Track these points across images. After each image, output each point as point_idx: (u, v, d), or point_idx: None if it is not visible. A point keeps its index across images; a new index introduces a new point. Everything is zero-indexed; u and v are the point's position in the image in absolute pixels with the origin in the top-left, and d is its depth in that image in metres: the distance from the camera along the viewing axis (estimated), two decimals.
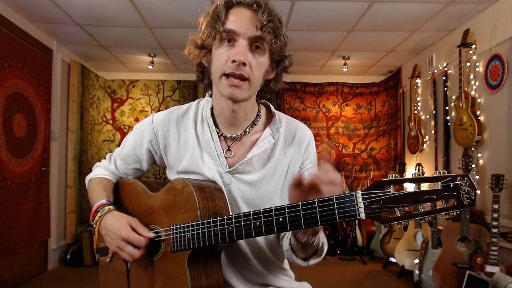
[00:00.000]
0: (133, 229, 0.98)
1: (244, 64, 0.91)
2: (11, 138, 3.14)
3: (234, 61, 0.91)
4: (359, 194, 0.72)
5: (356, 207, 0.72)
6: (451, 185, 0.68)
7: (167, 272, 0.97)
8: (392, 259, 3.78)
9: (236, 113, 1.02)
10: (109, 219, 1.01)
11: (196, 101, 1.13)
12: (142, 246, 0.96)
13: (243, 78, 0.93)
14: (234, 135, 1.05)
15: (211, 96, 1.09)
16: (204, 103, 1.08)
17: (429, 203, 0.70)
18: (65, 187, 4.14)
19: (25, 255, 3.37)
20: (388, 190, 0.71)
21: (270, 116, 1.10)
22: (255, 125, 1.06)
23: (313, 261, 0.97)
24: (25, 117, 3.34)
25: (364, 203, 0.72)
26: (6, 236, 3.01)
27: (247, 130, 1.05)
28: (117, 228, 0.98)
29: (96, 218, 1.05)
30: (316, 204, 0.76)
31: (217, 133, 1.05)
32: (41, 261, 3.71)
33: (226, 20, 0.93)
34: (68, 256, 3.96)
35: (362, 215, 0.72)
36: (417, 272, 3.17)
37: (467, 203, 0.68)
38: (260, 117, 1.08)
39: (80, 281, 3.52)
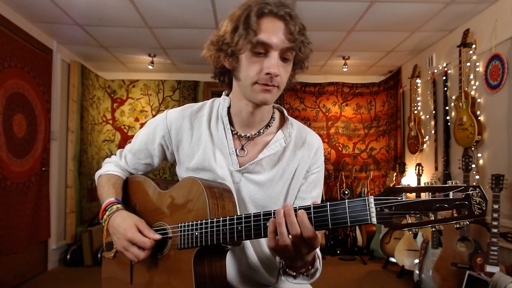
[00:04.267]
0: (139, 231, 0.98)
1: (276, 75, 0.93)
2: (11, 138, 3.13)
3: (268, 73, 0.92)
4: (371, 199, 0.73)
5: (368, 212, 0.73)
6: (463, 195, 0.69)
7: (172, 269, 0.98)
8: (392, 259, 3.79)
9: (254, 115, 1.04)
10: (117, 219, 1.02)
11: (211, 100, 1.14)
12: (146, 248, 0.96)
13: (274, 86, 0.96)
14: (248, 135, 1.06)
15: (227, 95, 1.10)
16: (221, 102, 1.09)
17: (440, 212, 0.71)
18: (65, 187, 4.14)
19: (25, 255, 3.36)
20: (400, 197, 0.72)
21: (283, 120, 1.12)
22: (269, 126, 1.08)
23: (300, 280, 0.96)
24: (25, 117, 3.34)
25: (376, 208, 0.72)
26: (6, 236, 3.01)
27: (261, 130, 1.07)
28: (123, 229, 0.98)
29: (105, 216, 1.05)
30: (328, 208, 0.77)
31: (232, 131, 1.06)
32: (41, 261, 3.71)
33: (258, 30, 0.92)
34: (68, 256, 3.96)
35: (374, 220, 0.72)
36: (417, 272, 3.17)
37: (478, 213, 0.68)
38: (274, 120, 1.10)
39: (80, 281, 3.52)
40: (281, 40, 0.92)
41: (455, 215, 0.70)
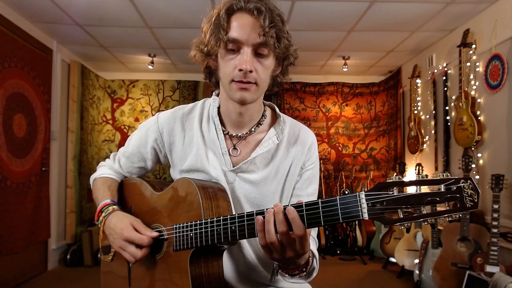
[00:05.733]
0: (136, 230, 0.98)
1: (250, 71, 0.92)
2: (11, 138, 3.14)
3: (241, 70, 0.92)
4: (362, 195, 0.72)
5: (359, 208, 0.72)
6: (454, 188, 0.69)
7: (168, 270, 0.98)
8: (392, 259, 3.79)
9: (242, 114, 1.03)
10: (113, 219, 1.02)
11: (202, 100, 1.14)
12: (144, 245, 0.96)
13: (251, 83, 0.95)
14: (239, 134, 1.06)
15: (217, 95, 1.10)
16: (211, 102, 1.09)
17: (432, 205, 0.70)
18: (65, 187, 4.14)
19: (25, 255, 3.37)
20: (392, 192, 0.71)
21: (275, 118, 1.11)
22: (260, 125, 1.08)
23: (297, 280, 0.95)
24: (25, 117, 3.34)
25: (367, 204, 0.72)
26: (6, 236, 3.01)
27: (253, 129, 1.07)
28: (119, 228, 0.98)
29: (101, 218, 1.05)
30: (320, 205, 0.77)
31: (223, 131, 1.06)
32: (41, 261, 3.71)
33: (229, 27, 0.93)
34: (68, 256, 3.96)
35: (365, 216, 0.72)
36: (417, 272, 3.17)
37: (470, 205, 0.68)
38: (265, 118, 1.09)
39: (80, 281, 3.52)
40: (250, 35, 0.92)
41: (447, 208, 0.70)
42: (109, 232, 1.02)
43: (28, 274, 3.46)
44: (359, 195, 0.73)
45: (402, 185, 0.71)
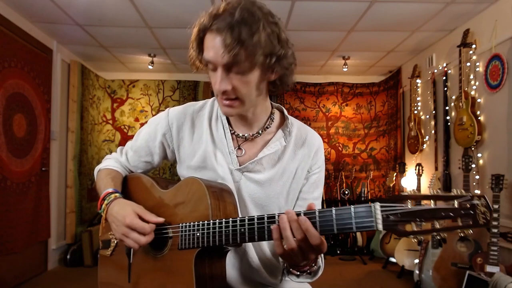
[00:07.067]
0: (140, 216, 0.97)
1: (225, 91, 0.91)
2: (11, 138, 3.13)
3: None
4: (377, 205, 0.73)
5: (374, 219, 0.73)
6: (468, 205, 0.70)
7: (171, 269, 0.98)
8: (392, 259, 3.79)
9: (246, 118, 1.05)
10: (116, 206, 1.01)
11: (212, 98, 1.14)
12: (146, 233, 0.95)
13: (232, 99, 0.94)
14: (246, 135, 1.07)
15: None
16: None
17: (445, 220, 0.72)
18: (65, 187, 4.14)
19: (25, 255, 3.36)
20: (405, 204, 0.72)
21: (283, 120, 1.12)
22: (268, 127, 1.08)
23: (302, 279, 0.96)
24: (25, 117, 3.34)
25: (382, 215, 0.73)
26: (6, 236, 3.01)
27: (260, 131, 1.07)
28: (122, 215, 0.97)
29: (103, 206, 1.04)
30: (333, 212, 0.77)
31: (230, 131, 1.07)
32: (41, 261, 3.71)
33: (203, 48, 0.92)
34: (68, 256, 3.96)
35: (380, 227, 0.72)
36: (417, 272, 3.18)
37: (482, 223, 0.70)
38: (273, 120, 1.09)
39: (80, 281, 3.52)
40: (218, 55, 0.87)
41: (460, 223, 0.71)
42: (111, 220, 1.01)
43: (28, 274, 3.46)
44: (374, 206, 0.73)
45: (417, 198, 0.72)
